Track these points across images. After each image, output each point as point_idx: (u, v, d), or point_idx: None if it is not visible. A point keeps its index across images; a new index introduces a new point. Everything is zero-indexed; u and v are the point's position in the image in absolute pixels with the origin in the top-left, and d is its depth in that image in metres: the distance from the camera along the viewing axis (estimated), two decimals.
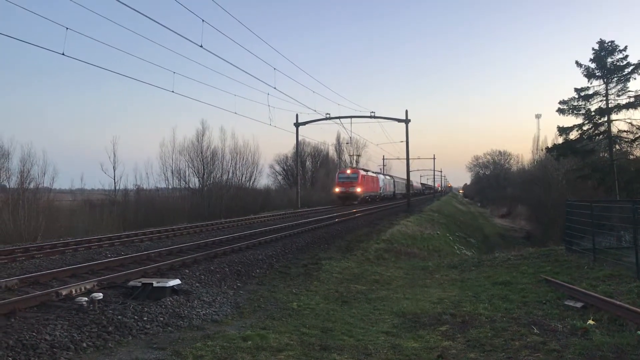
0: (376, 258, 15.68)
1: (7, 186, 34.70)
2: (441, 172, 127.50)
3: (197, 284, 9.64)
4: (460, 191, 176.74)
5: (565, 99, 33.46)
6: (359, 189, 46.68)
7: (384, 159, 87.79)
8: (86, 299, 7.41)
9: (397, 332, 7.33)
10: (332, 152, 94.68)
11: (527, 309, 8.45)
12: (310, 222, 24.31)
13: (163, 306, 7.78)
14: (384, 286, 11.35)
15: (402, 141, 40.03)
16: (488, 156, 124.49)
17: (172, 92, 19.00)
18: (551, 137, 71.58)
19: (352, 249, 16.45)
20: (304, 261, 13.63)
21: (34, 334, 6.18)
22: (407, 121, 38.77)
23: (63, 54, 13.05)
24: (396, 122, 39.47)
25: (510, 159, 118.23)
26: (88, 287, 8.41)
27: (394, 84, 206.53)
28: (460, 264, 14.75)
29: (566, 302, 8.68)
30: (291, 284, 10.94)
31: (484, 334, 7.08)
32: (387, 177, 70.47)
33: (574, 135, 33.54)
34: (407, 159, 41.14)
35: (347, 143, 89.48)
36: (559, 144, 34.97)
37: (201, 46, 15.52)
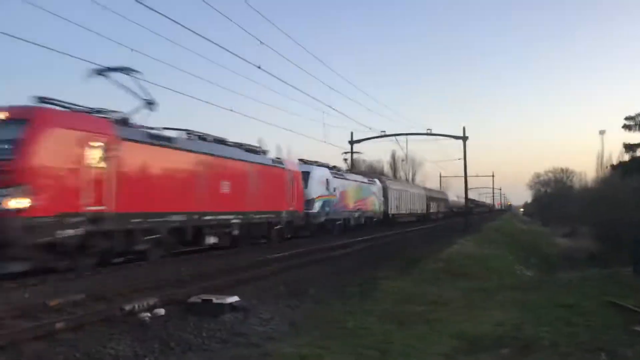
0: (433, 278, 15.43)
1: None
2: (500, 190, 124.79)
3: (255, 302, 9.76)
4: (521, 209, 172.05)
5: (632, 114, 32.22)
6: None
7: (440, 176, 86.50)
8: (149, 314, 7.65)
9: (456, 355, 7.20)
10: (387, 169, 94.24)
11: (593, 334, 8.12)
12: (366, 240, 24.23)
13: (222, 322, 7.94)
14: (441, 307, 11.15)
15: (459, 159, 39.55)
16: (549, 173, 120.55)
17: (231, 110, 19.27)
18: (616, 154, 68.70)
19: (408, 268, 16.27)
20: (360, 280, 13.57)
21: (99, 347, 6.42)
22: (464, 138, 38.24)
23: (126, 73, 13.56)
24: (453, 140, 39.01)
25: (573, 176, 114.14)
26: (150, 302, 8.66)
27: (451, 100, 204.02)
28: (520, 285, 14.34)
29: (635, 328, 8.30)
30: (347, 303, 10.90)
31: (547, 359, 6.85)
32: (395, 187, 45.33)
33: None
34: (465, 177, 40.50)
35: (402, 160, 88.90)
36: (626, 162, 33.61)
37: (259, 67, 15.84)
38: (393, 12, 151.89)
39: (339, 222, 29.89)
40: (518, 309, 10.80)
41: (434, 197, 62.92)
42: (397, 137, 39.12)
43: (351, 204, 32.49)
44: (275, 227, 22.05)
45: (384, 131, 38.35)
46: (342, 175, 31.64)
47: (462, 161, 39.71)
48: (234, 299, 8.83)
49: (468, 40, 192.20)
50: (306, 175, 25.04)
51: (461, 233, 34.19)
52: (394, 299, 11.60)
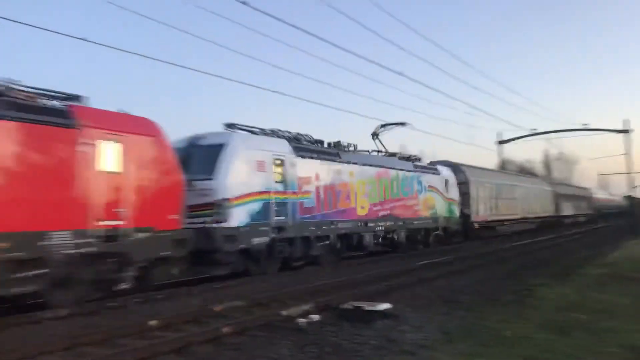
0: (597, 284, 14.30)
1: None
2: None
3: (406, 309, 9.75)
4: None
5: None
6: None
7: (598, 175, 79.88)
8: (305, 320, 7.97)
9: None
10: (539, 169, 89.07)
11: None
12: (517, 247, 23.16)
13: (374, 329, 8.04)
14: (608, 316, 10.30)
15: (622, 154, 36.20)
16: None
17: (375, 119, 19.42)
18: None
19: (568, 274, 15.24)
20: (514, 287, 12.98)
21: (262, 351, 6.81)
22: (626, 131, 35.07)
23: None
24: (614, 134, 35.96)
25: None
26: (306, 308, 9.02)
27: (610, 91, 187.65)
28: None
29: None
30: (501, 311, 10.48)
31: None
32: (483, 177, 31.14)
33: None
34: (629, 173, 37.09)
35: (556, 159, 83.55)
36: None
37: (401, 74, 15.95)
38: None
39: (322, 242, 16.67)
40: None
41: (569, 194, 46.32)
42: (549, 134, 36.91)
43: (363, 207, 18.87)
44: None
45: (535, 129, 36.42)
46: (328, 155, 17.60)
47: (624, 157, 36.40)
48: (385, 306, 8.89)
49: (628, 22, 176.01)
50: (213, 151, 13.93)
51: (630, 235, 31.31)
52: (553, 307, 10.94)
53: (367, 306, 8.72)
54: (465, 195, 27.21)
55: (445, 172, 25.40)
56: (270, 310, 9.40)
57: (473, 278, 13.45)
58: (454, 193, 25.67)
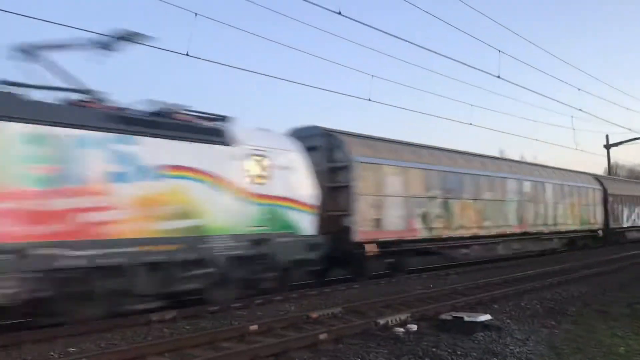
0: None
1: None
2: None
3: (508, 320, 9.36)
4: None
5: None
6: None
7: None
8: (402, 329, 7.86)
9: None
10: None
11: None
12: (628, 257, 21.63)
13: (475, 341, 7.77)
14: None
15: None
16: None
17: (470, 124, 19.13)
18: None
19: None
20: (628, 300, 12.11)
21: (358, 359, 6.78)
22: None
23: (369, 100, 14.32)
24: None
25: None
26: (402, 317, 8.89)
27: None
28: None
29: None
30: (613, 325, 9.80)
31: None
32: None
33: None
34: None
35: None
36: None
37: (498, 77, 15.42)
38: None
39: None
40: None
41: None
42: None
43: None
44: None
45: None
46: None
47: None
48: (486, 317, 8.59)
49: None
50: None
51: None
52: None
53: (467, 317, 8.45)
54: (342, 190, 14.50)
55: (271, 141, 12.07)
56: (366, 318, 9.36)
57: (583, 288, 12.64)
58: (297, 184, 12.30)
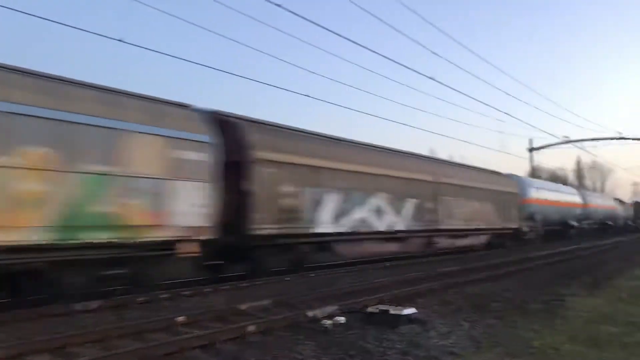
0: (631, 297, 13.92)
1: None
2: None
3: (432, 314, 9.65)
4: None
5: None
6: None
7: (634, 184, 78.13)
8: (330, 321, 7.94)
9: None
10: (571, 177, 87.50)
11: None
12: (546, 256, 22.73)
13: (400, 334, 7.97)
14: None
15: None
16: None
17: (404, 124, 19.33)
18: None
19: (600, 285, 14.90)
20: (544, 297, 12.74)
21: (286, 351, 6.81)
22: None
23: (307, 96, 14.28)
24: None
25: None
26: (331, 310, 9.00)
27: None
28: None
29: None
30: (531, 320, 10.29)
31: None
32: None
33: None
34: None
35: (590, 168, 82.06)
36: None
37: (432, 78, 15.78)
38: (569, 7, 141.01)
39: None
40: None
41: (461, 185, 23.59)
42: (582, 142, 36.20)
43: None
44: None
45: (567, 137, 35.76)
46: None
47: None
48: (411, 310, 8.81)
49: None
50: None
51: None
52: (583, 318, 10.70)
53: (393, 310, 8.65)
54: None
55: None
56: (295, 310, 9.41)
57: (505, 285, 13.22)
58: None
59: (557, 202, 33.99)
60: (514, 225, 28.00)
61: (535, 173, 41.87)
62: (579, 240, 34.05)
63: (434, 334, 8.35)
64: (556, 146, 36.92)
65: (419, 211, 19.72)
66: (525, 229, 29.31)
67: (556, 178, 75.92)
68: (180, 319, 8.25)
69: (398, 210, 18.62)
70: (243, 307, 9.40)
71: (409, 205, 19.28)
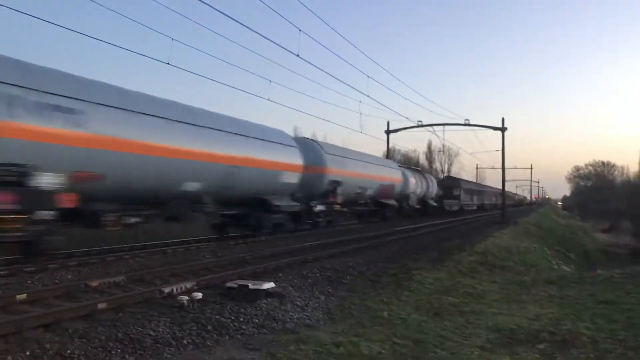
0: (469, 270, 15.28)
1: None
2: (538, 182, 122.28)
3: (290, 288, 9.83)
4: (559, 203, 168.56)
5: None
6: None
7: (477, 168, 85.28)
8: (187, 297, 7.77)
9: (492, 348, 7.12)
10: (422, 159, 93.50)
11: (635, 331, 7.93)
12: (399, 232, 24.12)
13: (258, 308, 8.02)
14: (477, 300, 11.05)
15: (497, 150, 38.86)
16: (590, 167, 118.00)
17: (268, 100, 19.44)
18: None
19: (443, 260, 16.13)
20: (394, 270, 13.53)
21: (139, 328, 6.56)
22: (503, 129, 37.48)
23: (169, 64, 13.77)
24: (491, 130, 38.35)
25: (615, 170, 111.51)
26: (188, 286, 8.81)
27: (489, 91, 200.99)
28: (558, 280, 14.08)
29: None
30: (381, 292, 10.89)
31: (585, 355, 6.73)
32: None
33: None
34: (503, 168, 39.79)
35: (439, 151, 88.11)
36: None
37: (298, 55, 15.88)
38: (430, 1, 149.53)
39: None
40: (556, 303, 10.63)
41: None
42: (433, 127, 38.61)
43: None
44: None
45: (421, 121, 37.93)
46: None
47: (500, 152, 38.96)
48: (270, 285, 8.90)
49: (508, 29, 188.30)
50: None
51: (499, 226, 33.69)
52: (428, 290, 11.54)
53: (252, 285, 8.66)
54: None
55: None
56: (150, 286, 9.09)
57: (359, 259, 13.81)
58: None
59: None
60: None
61: (390, 154, 44.09)
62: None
63: (291, 307, 8.52)
64: (411, 129, 39.08)
65: None
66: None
67: (409, 160, 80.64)
68: (21, 297, 7.61)
69: None
70: (94, 283, 8.90)
71: None
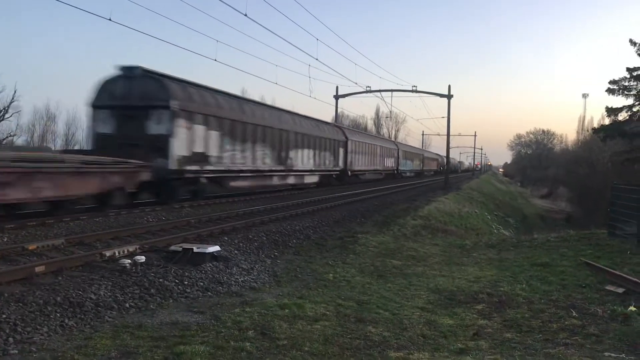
0: (413, 234, 15.63)
1: (53, 148, 35.59)
2: (482, 149, 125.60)
3: (236, 252, 9.81)
4: (500, 170, 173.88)
5: (616, 78, 32.35)
6: None
7: (423, 134, 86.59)
8: (129, 261, 7.63)
9: (432, 308, 7.34)
10: (370, 125, 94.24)
11: (567, 292, 8.32)
12: (347, 196, 24.35)
13: (203, 271, 7.97)
14: (419, 262, 11.33)
15: (443, 117, 39.52)
16: (531, 135, 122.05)
17: (215, 60, 19.02)
18: (598, 118, 69.11)
19: (388, 224, 16.44)
20: (340, 234, 13.70)
21: (79, 292, 6.41)
22: (449, 97, 38.10)
23: (110, 20, 13.21)
24: (437, 97, 38.89)
25: (554, 138, 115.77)
26: (131, 249, 8.65)
27: (437, 58, 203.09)
28: (498, 244, 14.58)
29: (607, 287, 8.52)
30: (327, 255, 11.02)
31: (521, 314, 7.02)
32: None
33: (622, 116, 32.50)
34: (448, 135, 40.59)
35: (386, 117, 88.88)
36: (607, 125, 34.00)
37: (245, 15, 15.52)
38: None
39: None
40: (494, 266, 11.01)
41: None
42: (381, 93, 38.83)
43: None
44: None
45: (369, 87, 38.04)
46: None
47: (445, 119, 39.67)
48: (215, 248, 8.84)
49: None
50: None
51: (442, 191, 34.50)
52: (373, 253, 11.75)
53: (197, 248, 8.58)
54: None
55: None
56: (91, 250, 8.87)
57: (306, 223, 13.88)
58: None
59: None
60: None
61: (339, 120, 44.13)
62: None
63: (237, 270, 8.51)
64: (359, 95, 39.14)
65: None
66: None
67: (357, 125, 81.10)
68: None
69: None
70: (31, 247, 8.61)
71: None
